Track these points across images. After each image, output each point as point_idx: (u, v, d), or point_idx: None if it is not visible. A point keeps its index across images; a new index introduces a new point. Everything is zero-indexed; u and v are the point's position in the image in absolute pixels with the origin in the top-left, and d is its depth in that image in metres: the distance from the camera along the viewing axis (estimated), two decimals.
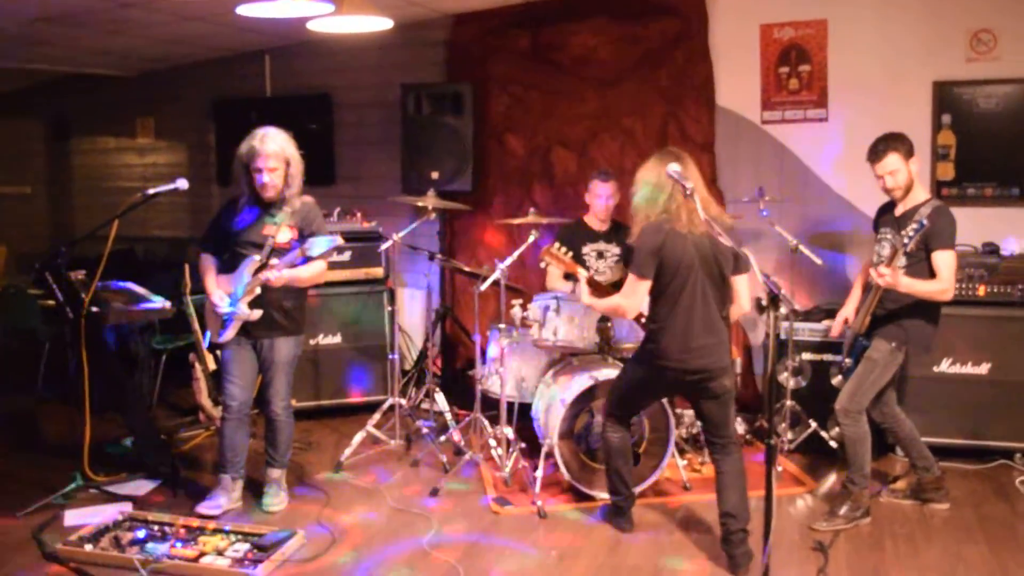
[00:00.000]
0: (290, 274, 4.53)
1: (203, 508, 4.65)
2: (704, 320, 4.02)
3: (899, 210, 4.54)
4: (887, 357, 4.47)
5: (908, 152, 4.43)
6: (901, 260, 4.30)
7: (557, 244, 4.57)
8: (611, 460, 4.45)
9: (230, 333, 4.66)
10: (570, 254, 4.55)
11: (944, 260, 4.32)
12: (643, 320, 4.41)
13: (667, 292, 4.00)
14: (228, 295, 4.63)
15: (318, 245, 4.41)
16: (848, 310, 4.85)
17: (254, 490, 4.91)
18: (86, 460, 4.93)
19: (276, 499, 4.82)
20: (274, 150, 4.51)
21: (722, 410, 4.16)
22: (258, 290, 4.56)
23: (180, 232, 8.47)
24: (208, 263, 4.76)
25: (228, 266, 4.70)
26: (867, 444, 4.52)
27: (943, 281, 4.31)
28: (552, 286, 5.60)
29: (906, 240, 4.15)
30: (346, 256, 6.27)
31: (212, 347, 5.39)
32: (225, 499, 4.73)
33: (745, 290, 4.22)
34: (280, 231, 4.61)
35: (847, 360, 4.75)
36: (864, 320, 4.54)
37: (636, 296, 4.05)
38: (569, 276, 4.89)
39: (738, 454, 4.20)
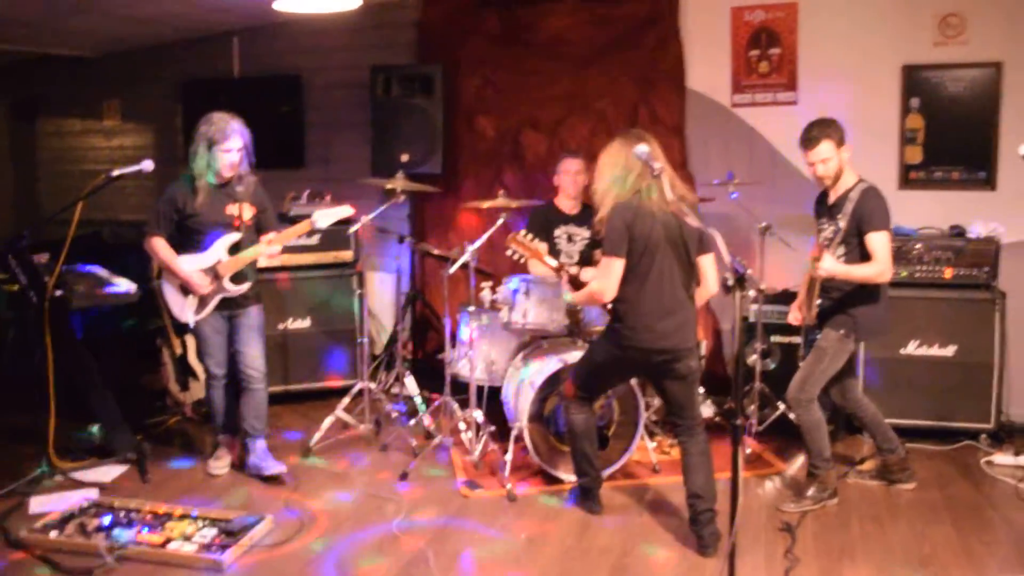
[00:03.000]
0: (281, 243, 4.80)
1: (212, 468, 4.99)
2: (671, 300, 4.03)
3: (831, 198, 4.51)
4: (836, 345, 4.48)
5: (840, 139, 4.38)
6: (840, 249, 4.30)
7: (523, 231, 4.54)
8: (576, 441, 4.45)
9: (209, 310, 4.81)
10: (535, 241, 4.52)
11: (879, 241, 4.28)
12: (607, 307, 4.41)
13: (635, 271, 4.00)
14: (204, 274, 4.75)
15: (326, 217, 4.70)
16: (801, 299, 4.79)
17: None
18: (51, 446, 4.87)
19: (277, 463, 4.96)
20: (240, 131, 4.70)
21: (687, 391, 4.18)
22: (241, 266, 4.76)
23: (147, 215, 8.36)
24: (166, 246, 4.80)
25: (183, 247, 4.80)
26: (822, 430, 4.54)
27: (879, 263, 4.28)
28: (536, 272, 5.58)
29: (831, 234, 4.17)
30: (315, 239, 6.23)
31: (181, 328, 5.39)
32: (230, 456, 5.10)
33: (712, 271, 4.23)
34: (244, 209, 4.78)
35: (803, 350, 4.77)
36: (812, 311, 4.52)
37: (611, 277, 4.02)
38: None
39: (703, 436, 4.22)
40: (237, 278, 4.78)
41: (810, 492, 4.54)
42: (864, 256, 4.34)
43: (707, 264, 4.21)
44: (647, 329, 4.02)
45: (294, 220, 5.21)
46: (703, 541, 4.06)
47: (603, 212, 4.05)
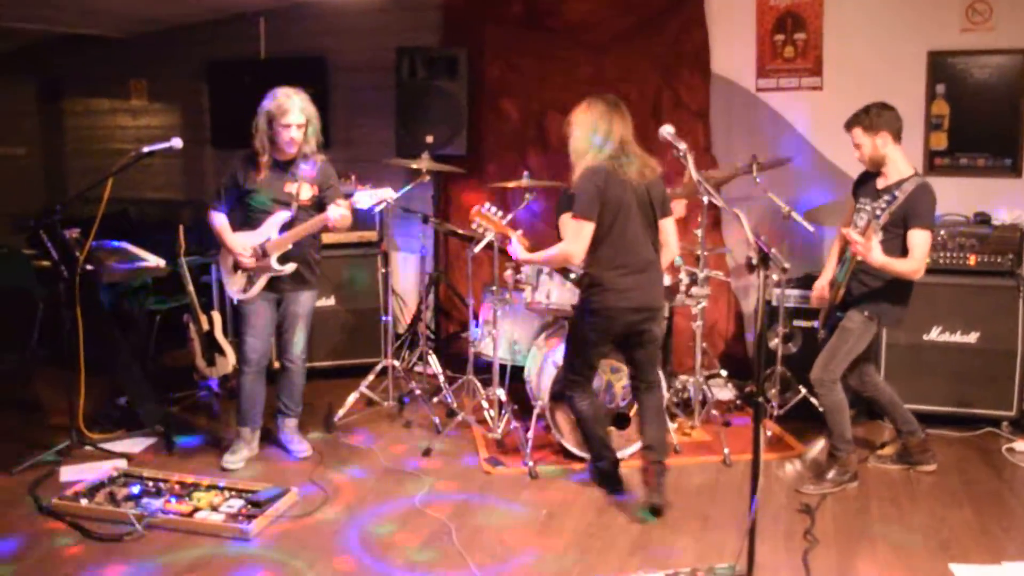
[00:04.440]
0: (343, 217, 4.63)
1: (227, 463, 4.82)
2: (644, 260, 4.18)
3: (881, 183, 4.52)
4: (861, 327, 4.50)
5: (871, 127, 4.42)
6: (879, 235, 4.30)
7: (488, 204, 4.52)
8: (587, 427, 4.49)
9: (257, 289, 4.77)
10: (500, 214, 4.49)
11: (920, 239, 4.31)
12: (572, 276, 4.53)
13: (608, 234, 4.10)
14: (252, 251, 4.72)
15: (367, 198, 4.57)
16: (825, 279, 4.83)
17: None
18: (80, 418, 4.95)
19: (302, 446, 5.02)
20: (302, 107, 4.64)
21: (655, 352, 4.40)
22: (290, 245, 4.69)
23: (174, 194, 8.44)
24: (224, 221, 4.81)
25: (241, 223, 4.79)
26: (845, 412, 4.57)
27: (915, 260, 4.30)
28: None
29: (878, 212, 4.15)
30: None
31: (208, 304, 5.44)
32: (247, 450, 4.93)
33: (672, 233, 4.37)
34: (302, 188, 4.74)
35: (823, 331, 4.76)
36: (839, 291, 4.57)
37: (580, 239, 4.08)
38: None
39: (660, 393, 4.46)
40: (285, 258, 4.72)
41: (831, 474, 4.56)
42: (902, 247, 4.35)
43: (668, 227, 4.34)
44: (625, 289, 4.13)
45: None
46: (651, 488, 4.24)
47: (576, 172, 4.14)
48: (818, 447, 5.14)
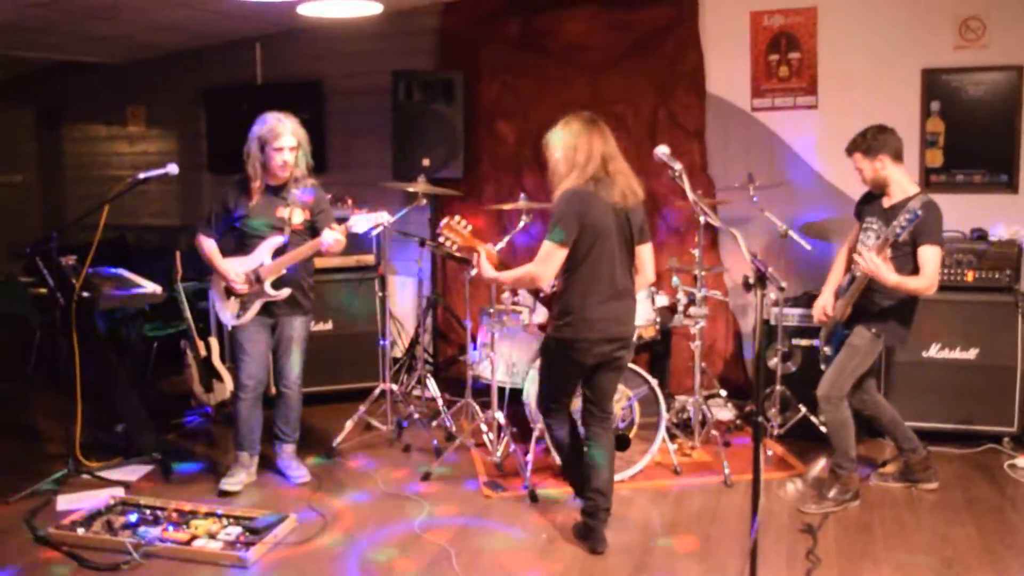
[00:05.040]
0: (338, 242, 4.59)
1: (225, 485, 4.79)
2: (622, 286, 4.03)
3: (887, 202, 4.54)
4: (868, 344, 4.50)
5: (869, 151, 4.46)
6: (888, 252, 4.31)
7: (457, 217, 4.30)
8: (570, 455, 4.32)
9: (251, 314, 4.75)
10: (469, 228, 4.29)
11: (931, 255, 4.33)
12: (542, 295, 4.27)
13: (588, 259, 3.93)
14: (246, 276, 4.71)
15: (363, 222, 4.55)
16: (826, 298, 4.80)
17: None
18: (77, 446, 4.92)
19: (301, 471, 5.00)
20: (293, 130, 4.66)
21: (617, 382, 4.29)
22: (283, 270, 4.68)
23: (171, 220, 8.45)
24: (213, 246, 4.80)
25: (234, 249, 4.79)
26: (850, 429, 4.56)
27: (928, 277, 4.31)
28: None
29: (899, 230, 4.14)
30: None
31: (205, 331, 5.42)
32: (245, 475, 4.89)
33: (649, 260, 4.22)
34: (294, 213, 4.74)
35: (826, 348, 4.75)
36: (846, 309, 4.56)
37: (552, 263, 3.90)
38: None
39: (612, 428, 4.30)
40: (279, 283, 4.71)
41: (832, 493, 4.54)
42: (912, 265, 4.37)
43: (645, 253, 4.19)
44: (599, 319, 3.95)
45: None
46: (596, 536, 4.10)
47: (557, 192, 3.98)
48: (819, 466, 5.11)
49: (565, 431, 4.28)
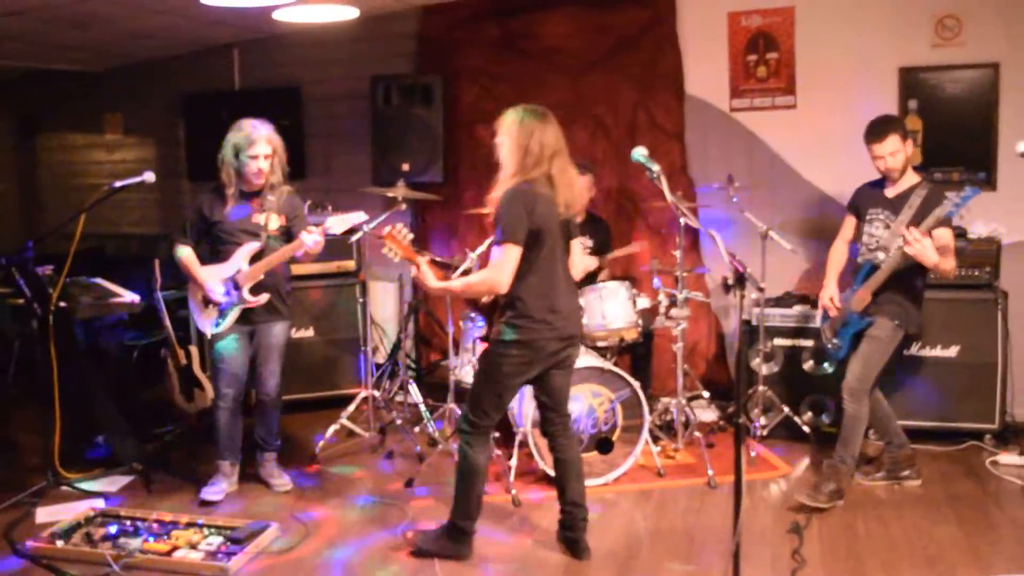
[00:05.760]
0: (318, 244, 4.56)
1: (207, 494, 4.77)
2: (567, 285, 3.95)
3: (891, 192, 4.62)
4: (891, 334, 4.55)
5: (905, 134, 4.56)
6: (898, 241, 4.38)
7: (400, 225, 4.12)
8: (475, 483, 4.00)
9: (229, 322, 4.72)
10: (410, 237, 4.14)
11: (950, 237, 4.46)
12: (482, 303, 4.13)
13: (540, 258, 3.80)
14: (223, 284, 4.67)
15: (339, 223, 4.51)
16: (832, 289, 4.87)
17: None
18: (57, 457, 4.88)
19: (282, 479, 4.99)
20: (268, 137, 4.65)
21: (569, 382, 4.11)
22: (261, 275, 4.65)
23: (150, 228, 8.39)
24: (190, 254, 4.78)
25: (211, 256, 4.76)
26: (864, 426, 4.58)
27: (953, 259, 4.46)
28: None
29: (952, 209, 4.23)
30: None
31: (185, 339, 5.39)
32: (226, 483, 4.87)
33: (578, 256, 4.14)
34: (270, 218, 4.72)
35: (835, 340, 4.80)
36: (865, 298, 4.59)
37: (508, 265, 3.71)
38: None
39: (573, 434, 4.26)
40: (257, 289, 4.68)
41: (830, 487, 4.50)
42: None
43: (575, 249, 4.11)
44: (557, 316, 3.83)
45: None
46: (579, 547, 4.06)
47: (502, 189, 3.83)
48: (802, 467, 5.12)
49: (485, 456, 4.01)
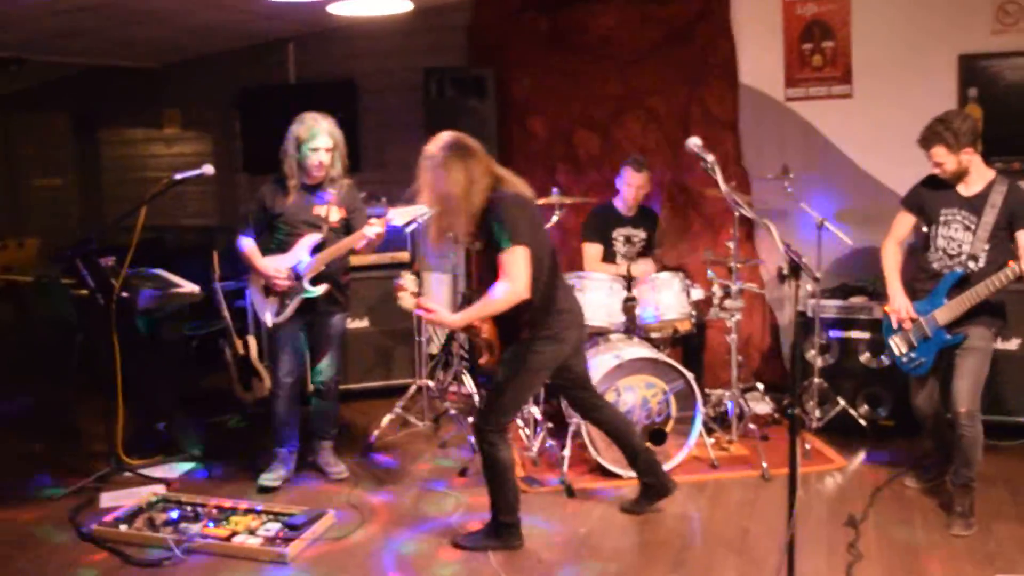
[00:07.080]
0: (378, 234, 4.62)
1: (264, 481, 4.85)
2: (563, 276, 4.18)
3: (966, 190, 4.27)
4: (990, 342, 4.28)
5: (956, 141, 4.12)
6: (985, 245, 4.14)
7: (406, 274, 4.49)
8: (507, 477, 4.05)
9: (290, 312, 4.79)
10: (418, 284, 4.13)
11: None
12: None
13: (545, 256, 3.93)
14: (286, 273, 4.74)
15: (401, 215, 4.56)
16: (904, 300, 4.41)
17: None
18: (120, 444, 4.99)
19: (338, 468, 5.04)
20: (329, 131, 4.71)
21: (585, 358, 4.37)
22: (322, 267, 4.71)
23: (208, 221, 8.53)
24: (252, 245, 4.85)
25: (272, 248, 4.83)
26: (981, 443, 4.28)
27: None
28: (591, 268, 5.59)
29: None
30: None
31: (243, 330, 5.47)
32: (283, 471, 4.94)
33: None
34: (331, 211, 4.78)
35: (913, 356, 4.38)
36: (955, 314, 4.22)
37: (523, 270, 3.75)
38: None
39: (605, 402, 4.47)
40: (317, 280, 4.74)
41: (970, 506, 4.22)
42: (1007, 251, 4.16)
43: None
44: (577, 308, 4.12)
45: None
46: (666, 481, 4.36)
47: (477, 208, 3.81)
48: (858, 460, 5.07)
49: (508, 451, 4.04)
